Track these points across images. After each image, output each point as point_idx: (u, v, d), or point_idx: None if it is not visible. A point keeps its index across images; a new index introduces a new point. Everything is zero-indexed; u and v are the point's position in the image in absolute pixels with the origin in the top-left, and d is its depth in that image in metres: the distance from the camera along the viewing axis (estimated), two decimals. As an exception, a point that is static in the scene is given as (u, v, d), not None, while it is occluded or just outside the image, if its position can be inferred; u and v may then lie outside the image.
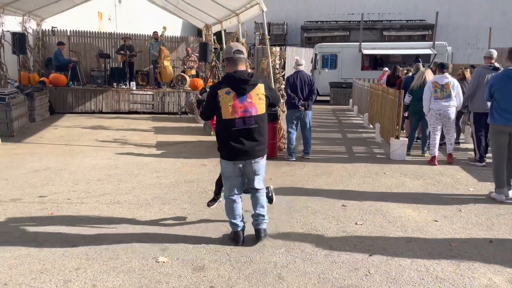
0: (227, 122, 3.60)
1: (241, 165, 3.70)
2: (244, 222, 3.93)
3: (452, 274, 3.33)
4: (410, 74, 9.42)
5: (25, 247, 3.72)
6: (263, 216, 3.91)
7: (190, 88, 13.32)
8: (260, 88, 3.64)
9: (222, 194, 4.34)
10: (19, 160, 6.98)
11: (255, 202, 3.92)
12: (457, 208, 4.94)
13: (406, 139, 7.78)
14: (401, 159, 7.41)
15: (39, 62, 13.73)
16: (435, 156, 7.23)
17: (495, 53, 6.77)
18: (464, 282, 3.22)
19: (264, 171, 3.92)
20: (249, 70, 3.90)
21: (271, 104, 3.86)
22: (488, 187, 5.79)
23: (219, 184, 4.41)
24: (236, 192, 3.83)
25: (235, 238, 3.85)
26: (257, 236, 3.87)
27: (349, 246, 3.84)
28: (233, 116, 3.57)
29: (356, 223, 4.39)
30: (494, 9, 24.47)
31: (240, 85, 3.57)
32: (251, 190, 3.91)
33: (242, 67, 3.66)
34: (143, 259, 3.51)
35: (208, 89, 3.80)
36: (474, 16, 25.04)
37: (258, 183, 3.87)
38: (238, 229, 3.85)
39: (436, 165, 7.10)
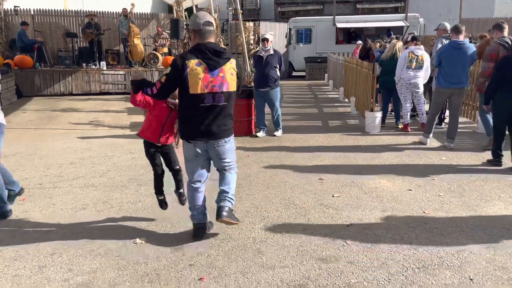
0: (195, 97, 3.17)
1: (202, 147, 3.31)
2: (206, 215, 3.53)
3: (426, 241, 3.43)
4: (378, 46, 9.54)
5: (-3, 235, 3.62)
6: (227, 192, 3.41)
7: (163, 67, 13.04)
8: (233, 63, 3.28)
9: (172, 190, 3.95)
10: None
11: (221, 180, 3.47)
12: (430, 177, 5.05)
13: (380, 112, 7.87)
14: (376, 131, 7.51)
15: (2, 43, 13.14)
16: (407, 123, 7.49)
17: (448, 26, 7.15)
18: (438, 247, 3.31)
19: (234, 153, 3.50)
20: (222, 46, 3.71)
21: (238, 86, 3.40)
22: (461, 155, 5.95)
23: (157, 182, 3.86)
24: (198, 178, 3.43)
25: (195, 232, 3.49)
26: (218, 212, 3.34)
27: (326, 218, 3.89)
28: (201, 91, 3.15)
29: (333, 196, 4.45)
30: (465, -20, 24.64)
31: (214, 57, 3.18)
32: (221, 178, 3.48)
33: (212, 40, 3.27)
34: (120, 241, 3.47)
35: (172, 61, 3.25)
36: (445, -13, 25.18)
37: (229, 162, 3.44)
38: (195, 222, 3.48)
39: (409, 131, 7.36)
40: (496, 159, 5.46)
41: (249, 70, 8.30)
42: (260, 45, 7.25)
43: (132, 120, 8.86)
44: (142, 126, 3.66)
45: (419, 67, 7.26)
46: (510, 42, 5.94)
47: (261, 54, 7.07)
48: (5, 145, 6.71)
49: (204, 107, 3.21)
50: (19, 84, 11.82)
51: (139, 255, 3.25)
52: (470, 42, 9.33)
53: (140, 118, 9.00)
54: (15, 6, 13.52)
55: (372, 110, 7.70)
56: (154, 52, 13.55)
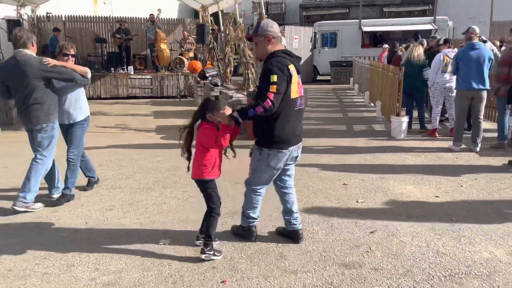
0: (293, 102, 3.18)
1: (293, 152, 3.31)
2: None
3: (453, 249, 3.34)
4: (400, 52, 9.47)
5: (28, 234, 3.74)
6: (298, 213, 3.55)
7: (188, 71, 13.23)
8: None
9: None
10: (19, 148, 6.97)
11: (291, 198, 3.50)
12: (458, 183, 4.93)
13: (407, 116, 7.74)
14: (402, 136, 7.38)
15: (35, 49, 13.61)
16: (436, 128, 7.35)
17: (477, 29, 7.05)
18: (465, 256, 3.22)
19: None
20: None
21: None
22: (490, 161, 5.78)
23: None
24: (267, 185, 3.43)
25: (248, 234, 3.52)
26: (297, 238, 3.49)
27: (350, 224, 3.85)
28: (297, 95, 3.21)
29: (357, 201, 4.39)
30: (496, -18, 23.95)
31: (298, 61, 3.26)
32: (286, 186, 3.49)
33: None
34: (145, 242, 3.53)
35: (273, 67, 3.05)
36: (475, -11, 24.53)
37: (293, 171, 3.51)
38: (255, 223, 3.54)
39: (437, 137, 7.22)
40: None
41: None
42: None
43: (158, 124, 9.01)
44: (202, 167, 3.23)
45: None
46: None
47: None
48: (37, 147, 6.95)
49: (297, 110, 3.24)
50: (50, 88, 12.21)
51: (163, 256, 3.30)
52: (501, 46, 9.10)
53: (165, 122, 9.15)
54: (47, 13, 14.02)
55: (398, 115, 7.58)
56: (180, 56, 13.77)
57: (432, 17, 19.07)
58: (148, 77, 13.11)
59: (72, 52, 4.46)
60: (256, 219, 3.53)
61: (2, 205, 4.41)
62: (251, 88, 8.78)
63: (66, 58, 4.40)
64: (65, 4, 14.64)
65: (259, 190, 3.42)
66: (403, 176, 5.21)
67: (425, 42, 9.08)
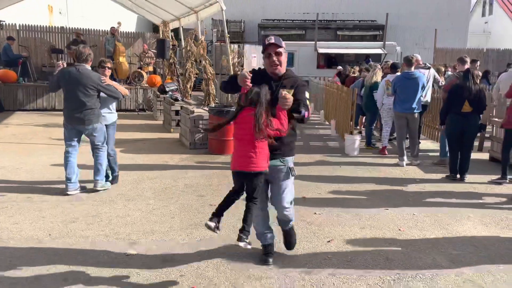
0: None
1: None
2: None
3: (401, 255, 3.69)
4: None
5: (-11, 246, 3.69)
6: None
7: (147, 85, 13.21)
8: None
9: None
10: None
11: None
12: (405, 197, 5.36)
13: (359, 134, 8.25)
14: (355, 153, 7.83)
15: (-14, 57, 13.08)
16: (385, 146, 7.89)
17: (419, 57, 7.86)
18: (411, 262, 3.57)
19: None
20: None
21: None
22: (433, 177, 6.31)
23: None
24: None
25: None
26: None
27: (309, 234, 4.11)
28: None
29: (315, 213, 4.68)
30: (440, 12, 25.87)
31: None
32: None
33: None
34: (112, 253, 3.59)
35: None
36: (421, 18, 26.29)
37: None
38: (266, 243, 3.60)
39: (386, 154, 7.74)
40: (452, 174, 6.26)
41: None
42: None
43: (117, 137, 8.92)
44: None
45: None
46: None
47: None
48: (-10, 159, 6.73)
49: None
50: (1, 98, 11.77)
51: (132, 266, 3.38)
52: (445, 71, 9.93)
53: (124, 135, 9.10)
54: (0, 21, 13.55)
55: (351, 133, 8.06)
56: (139, 70, 13.74)
57: (382, 42, 20.29)
58: (106, 89, 12.94)
59: (109, 65, 5.56)
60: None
61: (-43, 218, 4.28)
62: (212, 104, 8.98)
63: (102, 69, 5.43)
64: (20, 12, 14.20)
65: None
66: (356, 190, 5.58)
67: (378, 66, 9.74)
